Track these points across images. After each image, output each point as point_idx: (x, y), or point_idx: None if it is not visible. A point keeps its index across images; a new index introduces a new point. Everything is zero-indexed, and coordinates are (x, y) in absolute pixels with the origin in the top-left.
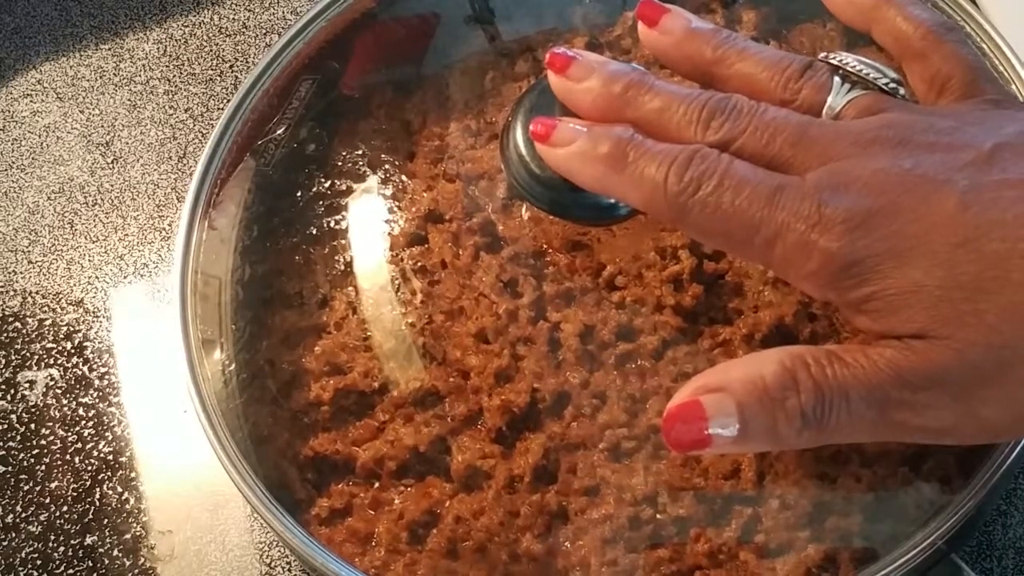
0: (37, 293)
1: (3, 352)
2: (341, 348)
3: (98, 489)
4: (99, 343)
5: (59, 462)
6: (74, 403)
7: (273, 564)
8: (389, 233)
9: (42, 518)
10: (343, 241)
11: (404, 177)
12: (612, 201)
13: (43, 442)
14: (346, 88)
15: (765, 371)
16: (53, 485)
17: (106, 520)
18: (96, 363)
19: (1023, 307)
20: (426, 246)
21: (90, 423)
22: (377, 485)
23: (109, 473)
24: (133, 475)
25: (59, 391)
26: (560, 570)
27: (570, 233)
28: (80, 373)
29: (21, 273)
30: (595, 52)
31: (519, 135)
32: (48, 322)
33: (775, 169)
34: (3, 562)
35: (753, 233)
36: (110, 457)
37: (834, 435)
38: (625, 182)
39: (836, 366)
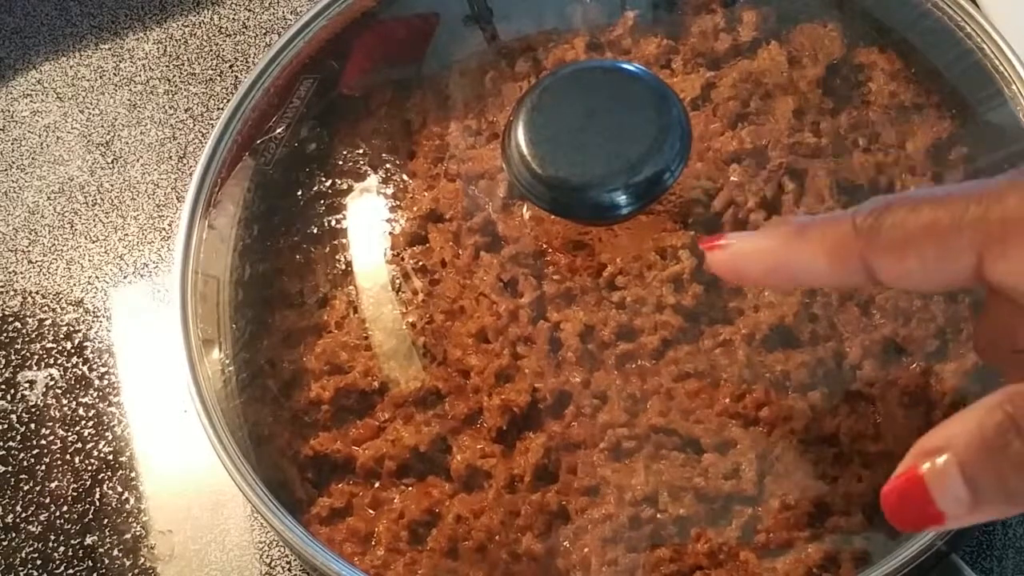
0: (37, 293)
1: (3, 352)
2: (341, 347)
3: (98, 489)
4: (99, 343)
5: (59, 462)
6: (74, 403)
7: (273, 564)
8: (389, 232)
9: (42, 518)
10: (343, 240)
11: (404, 176)
12: (613, 200)
13: (43, 442)
14: (346, 88)
15: (985, 419)
16: (53, 485)
17: (106, 520)
18: (96, 363)
19: None
20: (426, 245)
21: (90, 423)
22: (377, 484)
23: (109, 473)
24: (133, 475)
25: (59, 391)
26: (561, 570)
27: (571, 233)
28: (80, 373)
29: (21, 273)
30: (595, 52)
31: (520, 134)
32: (48, 322)
33: None
34: (3, 562)
35: (963, 211)
36: (110, 457)
37: None
38: (810, 239)
39: None
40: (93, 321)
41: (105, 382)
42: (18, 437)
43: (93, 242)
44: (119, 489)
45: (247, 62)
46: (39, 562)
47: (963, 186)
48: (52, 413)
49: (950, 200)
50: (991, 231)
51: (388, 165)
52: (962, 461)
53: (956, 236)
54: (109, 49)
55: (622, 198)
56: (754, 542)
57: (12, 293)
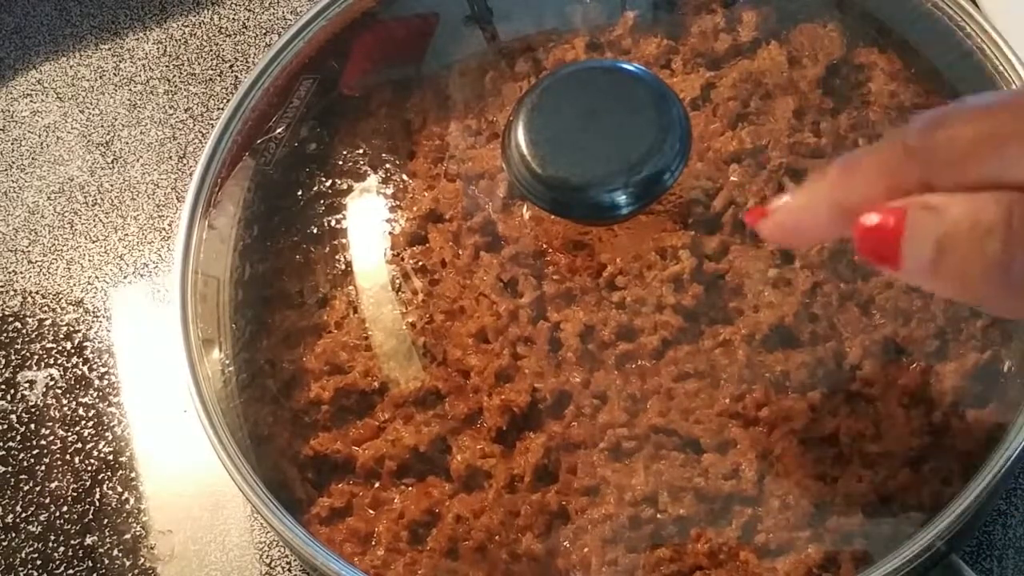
0: (37, 293)
1: (3, 352)
2: (341, 347)
3: (98, 489)
4: (99, 343)
5: (59, 462)
6: (74, 403)
7: (273, 564)
8: (389, 232)
9: (42, 518)
10: (343, 240)
11: (404, 176)
12: (613, 200)
13: (43, 442)
14: (346, 88)
15: (985, 207)
16: (53, 485)
17: (106, 520)
18: (96, 363)
19: None
20: (426, 245)
21: (90, 423)
22: (377, 484)
23: (109, 473)
24: (133, 475)
25: (59, 391)
26: (561, 570)
27: (571, 233)
28: (80, 373)
29: (21, 273)
30: (595, 52)
31: (520, 135)
32: (48, 322)
33: None
34: (3, 562)
35: (1019, 116)
36: (110, 457)
37: None
38: (862, 174)
39: None
40: (93, 321)
41: (105, 382)
42: (18, 437)
43: (93, 242)
44: (119, 489)
45: (247, 62)
46: (39, 562)
47: (1012, 91)
48: (52, 413)
49: (1004, 105)
50: None
51: (388, 165)
52: (944, 230)
53: (1017, 142)
54: (109, 49)
55: (622, 198)
56: (754, 542)
57: (12, 293)
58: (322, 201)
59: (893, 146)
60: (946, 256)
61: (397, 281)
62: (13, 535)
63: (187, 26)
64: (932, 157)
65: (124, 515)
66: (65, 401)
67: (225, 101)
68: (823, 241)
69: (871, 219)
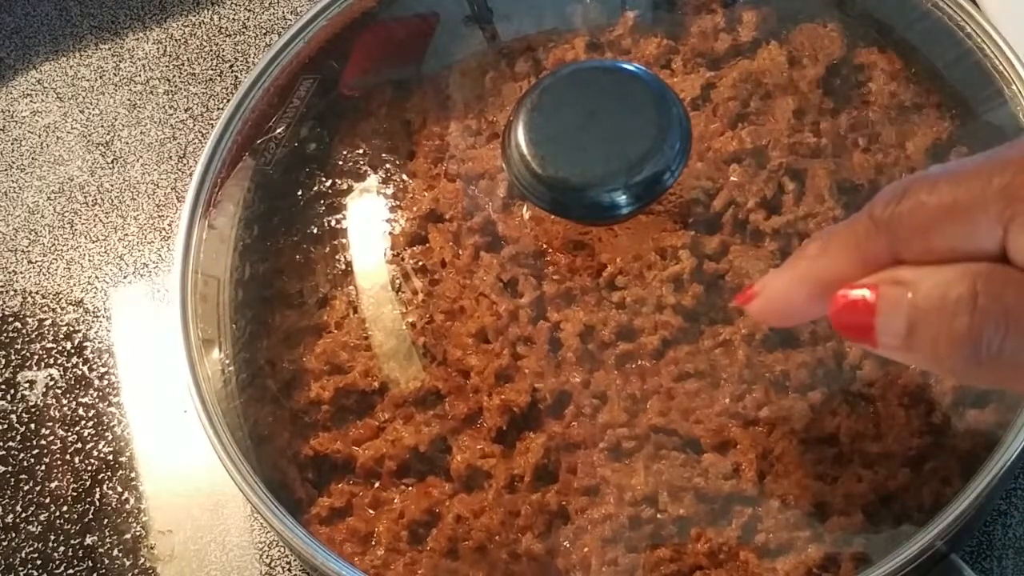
0: (37, 293)
1: (3, 352)
2: (341, 347)
3: (98, 489)
4: (99, 343)
5: (59, 462)
6: (74, 403)
7: (273, 564)
8: (389, 232)
9: (42, 518)
10: (343, 240)
11: (404, 176)
12: (613, 200)
13: (43, 442)
14: (346, 88)
15: (954, 282)
16: (53, 485)
17: (106, 520)
18: (96, 363)
19: None
20: (426, 245)
21: (90, 423)
22: (377, 484)
23: (109, 473)
24: (133, 475)
25: (59, 391)
26: (560, 570)
27: (571, 233)
28: (80, 373)
29: (21, 273)
30: (595, 52)
31: (520, 135)
32: (48, 322)
33: None
34: (3, 562)
35: (985, 184)
36: (110, 457)
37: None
38: (834, 251)
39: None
40: (93, 321)
41: (105, 382)
42: (18, 437)
43: (93, 242)
44: (119, 489)
45: (247, 62)
46: (39, 562)
47: (977, 159)
48: (52, 413)
49: (969, 174)
50: (1019, 199)
51: (388, 165)
52: (914, 305)
53: (981, 211)
54: (109, 49)
55: (622, 198)
56: (754, 542)
57: (12, 293)
58: (322, 201)
59: (862, 220)
60: (917, 332)
61: (397, 281)
62: (13, 535)
63: (187, 26)
64: (898, 228)
65: (124, 515)
66: (65, 401)
67: (225, 101)
68: (811, 319)
69: (844, 296)
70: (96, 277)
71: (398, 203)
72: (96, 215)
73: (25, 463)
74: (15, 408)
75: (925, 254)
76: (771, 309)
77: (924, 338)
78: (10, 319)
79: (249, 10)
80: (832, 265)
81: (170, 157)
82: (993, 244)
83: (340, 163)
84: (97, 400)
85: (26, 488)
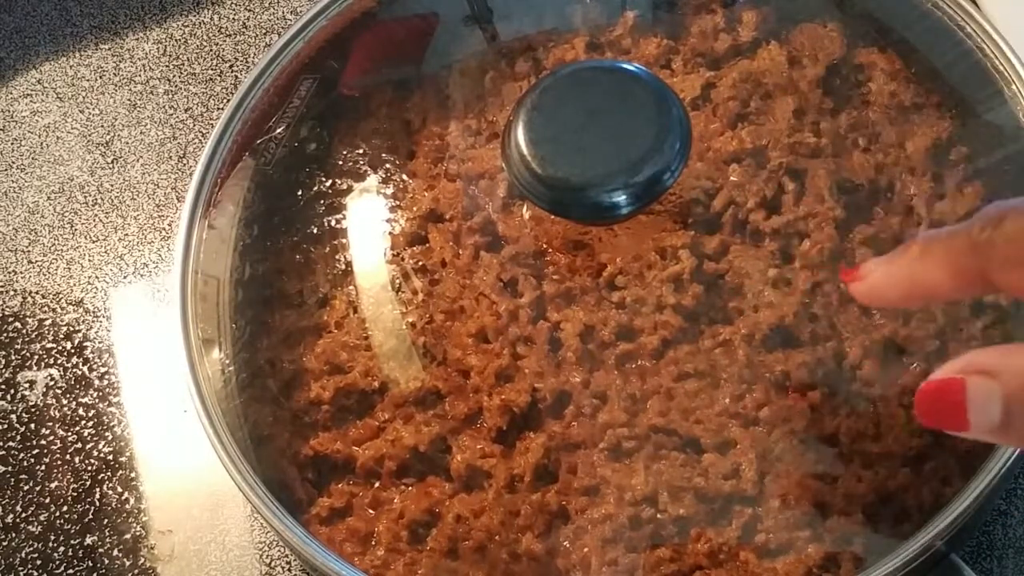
0: (37, 293)
1: (3, 352)
2: (341, 347)
3: (98, 489)
4: (99, 343)
5: (59, 462)
6: (74, 403)
7: (273, 564)
8: (389, 232)
9: (42, 518)
10: (343, 240)
11: (404, 176)
12: (613, 200)
13: (43, 442)
14: (346, 88)
15: None
16: (53, 485)
17: (106, 520)
18: (96, 363)
19: None
20: (426, 245)
21: (90, 423)
22: (377, 484)
23: (109, 473)
24: (133, 475)
25: (59, 391)
26: (560, 570)
27: (571, 232)
28: (80, 373)
29: (21, 273)
30: (595, 52)
31: (520, 134)
32: (48, 322)
33: None
34: (3, 562)
35: None
36: (110, 457)
37: None
38: (933, 258)
39: None
40: (93, 321)
41: (105, 382)
42: (18, 437)
43: (93, 242)
44: (119, 489)
45: (247, 62)
46: (39, 562)
47: None
48: (52, 413)
49: None
50: None
51: (388, 165)
52: (1007, 393)
53: None
54: (109, 49)
55: (622, 198)
56: (754, 542)
57: (12, 293)
58: (322, 201)
59: (963, 236)
60: (1014, 419)
61: (397, 281)
62: (13, 535)
63: (187, 26)
64: (992, 254)
65: (124, 515)
66: (65, 401)
67: (225, 101)
68: (904, 307)
69: (929, 391)
70: (96, 277)
71: (398, 203)
72: (96, 215)
73: (25, 463)
74: (15, 408)
75: (1014, 286)
76: (869, 295)
77: (1021, 423)
78: (10, 319)
79: (249, 10)
80: (928, 271)
81: (170, 157)
82: None
83: (340, 163)
84: (97, 400)
85: (26, 488)
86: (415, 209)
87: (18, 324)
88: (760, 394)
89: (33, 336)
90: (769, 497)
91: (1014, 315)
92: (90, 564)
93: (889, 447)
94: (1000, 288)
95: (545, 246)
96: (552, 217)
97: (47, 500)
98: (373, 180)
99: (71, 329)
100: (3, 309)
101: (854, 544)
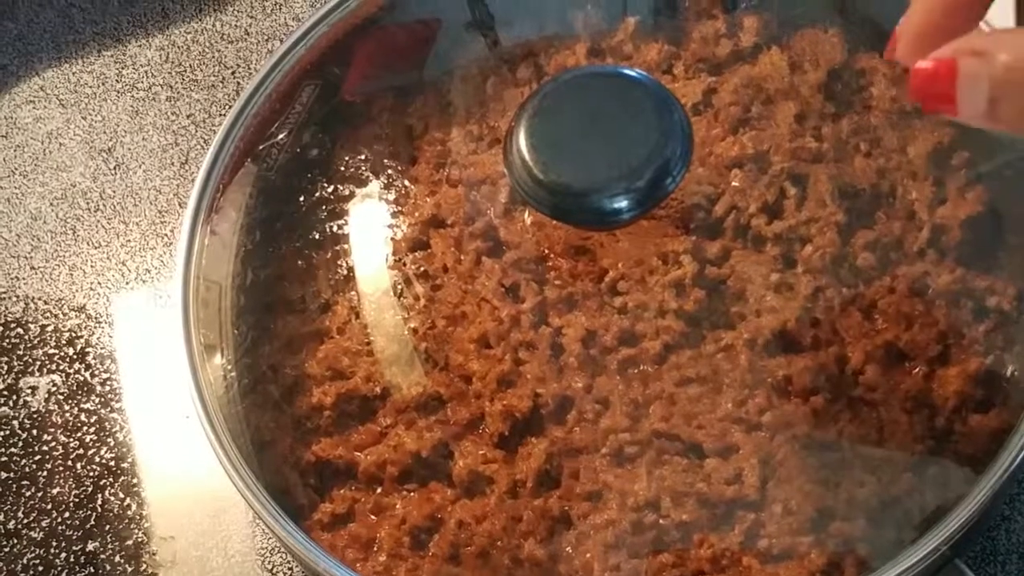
0: (39, 299)
1: (5, 358)
2: (343, 353)
3: (100, 495)
4: (101, 349)
5: (61, 468)
6: (76, 409)
7: (275, 570)
8: (391, 238)
9: (44, 524)
10: (345, 246)
11: (406, 182)
12: (614, 206)
13: (45, 448)
14: (348, 93)
15: None
16: (55, 491)
17: (108, 526)
18: (98, 369)
19: None
20: (428, 251)
21: (92, 429)
22: (379, 490)
23: (111, 479)
24: (135, 481)
25: (61, 397)
26: (563, 575)
27: (572, 238)
28: (82, 379)
29: (23, 279)
30: (596, 57)
31: (522, 140)
32: (50, 328)
33: None
34: (5, 568)
35: None
36: (112, 463)
37: None
38: None
39: None
40: (95, 327)
41: (107, 388)
42: (20, 443)
43: (95, 248)
44: (121, 495)
45: (249, 68)
46: (41, 568)
47: None
48: (54, 419)
49: None
50: None
51: (390, 171)
52: (995, 79)
53: None
54: (112, 56)
55: (624, 203)
56: (757, 547)
57: (15, 299)
58: (324, 207)
59: None
60: (1000, 105)
61: (399, 286)
62: (15, 541)
63: (189, 32)
64: None
65: (126, 521)
66: (67, 407)
67: (227, 107)
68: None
69: (924, 69)
70: (98, 283)
71: (400, 208)
72: (98, 221)
73: (27, 469)
74: (17, 414)
75: None
76: (917, 48)
77: (1007, 110)
78: (12, 325)
79: (251, 16)
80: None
81: (172, 163)
82: None
83: (342, 168)
84: (99, 406)
85: (28, 494)
86: (417, 215)
87: (20, 330)
88: (762, 399)
89: (35, 342)
90: (772, 502)
91: (1016, 319)
92: (92, 570)
93: (892, 452)
94: None
95: (547, 251)
96: (554, 222)
97: (49, 506)
98: (375, 186)
99: (73, 335)
100: (5, 315)
101: (857, 550)
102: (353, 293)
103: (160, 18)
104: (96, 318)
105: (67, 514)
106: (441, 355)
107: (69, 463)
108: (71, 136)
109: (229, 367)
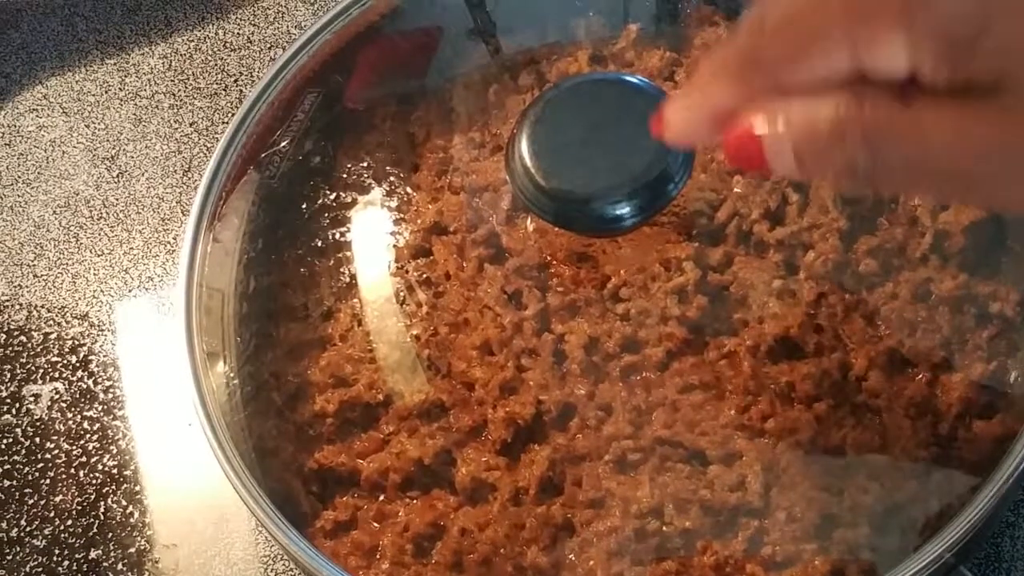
0: (42, 307)
1: (8, 366)
2: (346, 360)
3: (103, 503)
4: (104, 356)
5: (64, 476)
6: (79, 417)
7: None
8: (394, 245)
9: (47, 532)
10: (348, 253)
11: (408, 189)
12: (617, 212)
13: (48, 456)
14: (350, 101)
15: (820, 114)
16: (58, 499)
17: (111, 534)
18: (101, 376)
19: None
20: (431, 258)
21: (95, 436)
22: (382, 497)
23: (114, 487)
24: (138, 489)
25: (64, 405)
26: None
27: (575, 245)
28: (85, 387)
29: (27, 287)
30: (598, 64)
31: (524, 147)
32: (53, 336)
33: None
34: None
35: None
36: (115, 471)
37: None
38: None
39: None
40: (98, 335)
41: (110, 396)
42: (23, 451)
43: (98, 256)
44: (124, 503)
45: (252, 76)
46: None
47: None
48: (57, 427)
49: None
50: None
51: (392, 178)
52: (796, 145)
53: (827, 37)
54: (115, 64)
55: (626, 210)
56: (760, 554)
57: (18, 307)
58: (326, 214)
59: (734, 46)
60: (805, 162)
61: (401, 294)
62: (18, 549)
63: (192, 41)
64: (764, 54)
65: (129, 529)
66: (70, 415)
67: (230, 115)
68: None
69: (733, 135)
70: (101, 291)
71: (402, 216)
72: (101, 229)
73: (30, 477)
74: (20, 422)
75: (802, 86)
76: (680, 138)
77: (813, 165)
78: (15, 333)
79: (254, 25)
80: (723, 97)
81: (175, 171)
82: (846, 65)
83: (344, 176)
84: (102, 413)
85: (31, 502)
86: (419, 222)
87: (23, 338)
88: (765, 405)
89: (38, 350)
90: (775, 509)
91: (1019, 325)
92: None
93: (896, 458)
94: (787, 88)
95: (549, 258)
96: (556, 229)
97: (52, 514)
98: (377, 193)
99: (76, 343)
100: (9, 323)
101: (861, 556)
102: (355, 300)
103: (163, 26)
104: (99, 326)
105: (70, 522)
106: (443, 362)
107: (72, 471)
108: (74, 144)
109: (232, 374)
